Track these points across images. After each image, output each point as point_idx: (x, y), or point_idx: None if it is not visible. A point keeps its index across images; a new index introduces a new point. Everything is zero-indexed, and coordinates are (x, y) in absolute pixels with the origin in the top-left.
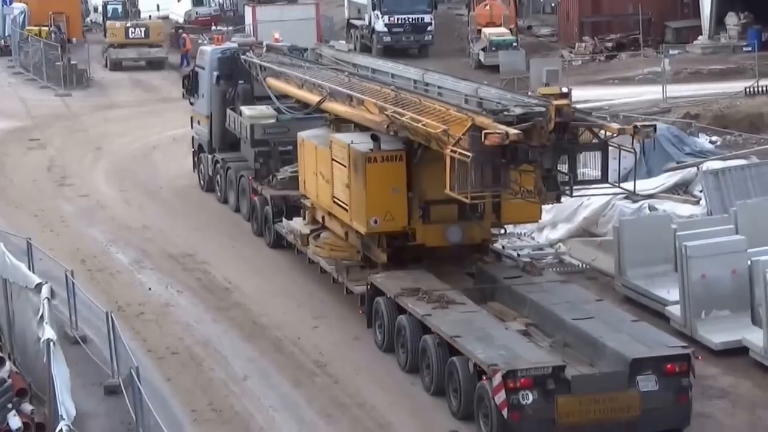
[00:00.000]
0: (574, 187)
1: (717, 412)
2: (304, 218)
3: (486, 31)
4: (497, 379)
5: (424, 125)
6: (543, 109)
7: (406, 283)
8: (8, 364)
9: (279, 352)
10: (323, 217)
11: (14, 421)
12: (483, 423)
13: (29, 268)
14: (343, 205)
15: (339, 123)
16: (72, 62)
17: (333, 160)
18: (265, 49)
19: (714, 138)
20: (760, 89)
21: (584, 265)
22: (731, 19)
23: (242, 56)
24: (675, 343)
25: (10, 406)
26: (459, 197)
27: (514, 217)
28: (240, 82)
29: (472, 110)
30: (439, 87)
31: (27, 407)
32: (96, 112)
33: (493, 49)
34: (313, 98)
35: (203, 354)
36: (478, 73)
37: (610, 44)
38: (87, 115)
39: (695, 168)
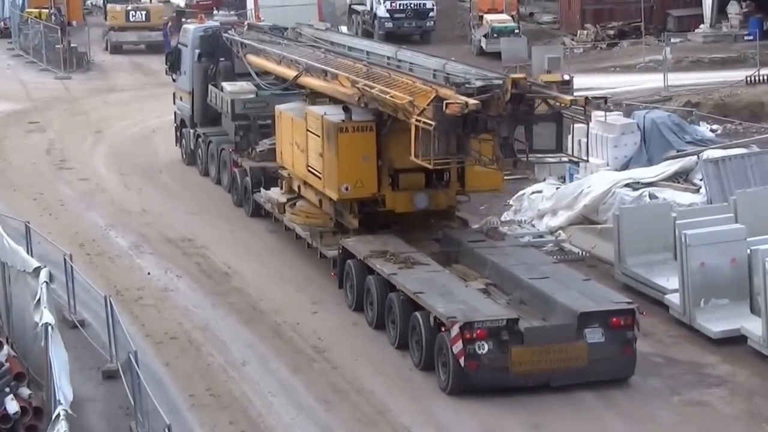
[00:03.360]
0: (530, 155)
1: (715, 400)
2: (281, 188)
3: (488, 17)
4: (455, 330)
5: (392, 97)
6: (501, 81)
7: (375, 246)
8: (6, 348)
9: (278, 337)
10: (299, 187)
11: (12, 405)
12: (442, 372)
13: (28, 252)
14: (317, 174)
15: (315, 97)
16: (72, 45)
17: (308, 131)
18: (246, 27)
19: (714, 126)
20: (761, 78)
21: (584, 253)
22: (733, 8)
23: (224, 34)
24: (621, 299)
25: (7, 390)
26: (423, 163)
27: (477, 184)
28: (221, 59)
29: (437, 83)
30: (410, 63)
31: (25, 391)
32: (96, 96)
33: (495, 35)
34: (290, 74)
35: (202, 339)
36: (480, 59)
37: (611, 32)
38: (87, 99)
39: (695, 156)
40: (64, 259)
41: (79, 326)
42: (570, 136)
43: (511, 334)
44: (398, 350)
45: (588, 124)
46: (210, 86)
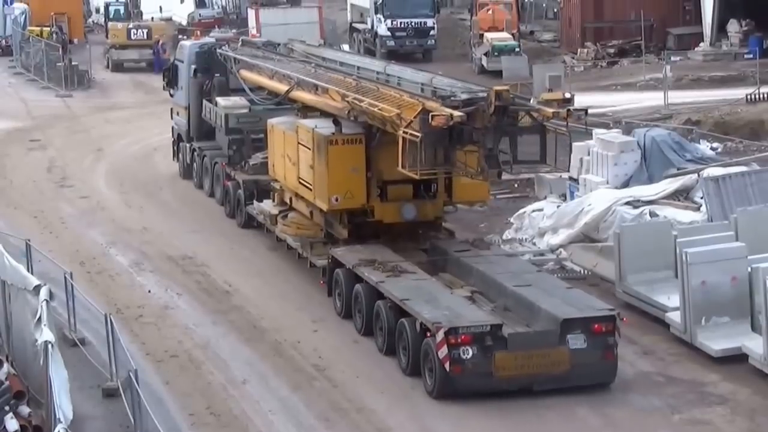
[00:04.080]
0: (514, 167)
1: (716, 418)
2: (274, 200)
3: (488, 36)
4: (440, 335)
5: (380, 110)
6: (485, 94)
7: (363, 255)
8: (6, 366)
9: (278, 355)
10: (290, 199)
11: (12, 423)
12: (428, 376)
13: (28, 270)
14: (308, 185)
15: (306, 111)
16: (73, 63)
17: (299, 143)
18: (240, 43)
19: (715, 145)
20: (761, 96)
21: (585, 271)
22: (733, 27)
23: (218, 50)
24: (602, 306)
25: (7, 408)
26: (410, 174)
27: (464, 196)
28: (216, 75)
29: (424, 96)
30: (399, 77)
31: (24, 410)
32: (97, 113)
33: (496, 54)
34: (283, 88)
35: (202, 357)
36: (481, 78)
37: (612, 50)
38: (88, 116)
39: (696, 174)
40: (65, 277)
41: (79, 344)
42: (570, 154)
43: (495, 339)
44: (399, 368)
45: (569, 136)
46: (204, 101)
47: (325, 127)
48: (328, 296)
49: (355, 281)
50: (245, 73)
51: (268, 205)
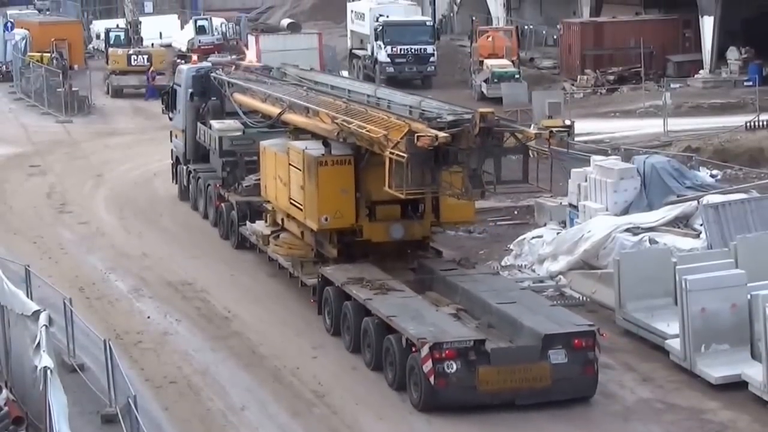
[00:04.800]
0: (497, 187)
1: None
2: (266, 221)
3: (488, 62)
4: (425, 350)
5: (368, 131)
6: (470, 116)
7: (352, 273)
8: (5, 392)
9: (277, 381)
10: (282, 219)
11: None
12: (414, 390)
13: (27, 295)
14: (298, 205)
15: (298, 133)
16: (73, 89)
17: (290, 165)
18: (234, 67)
19: (714, 172)
20: (760, 124)
21: (584, 298)
22: (732, 54)
23: (212, 74)
24: (583, 322)
25: None
26: (396, 193)
27: (451, 216)
28: (213, 98)
29: (410, 118)
30: (388, 100)
31: None
32: (97, 139)
33: (496, 80)
34: (275, 111)
35: (201, 383)
36: (481, 104)
37: (611, 77)
38: (88, 142)
39: (696, 201)
40: (64, 303)
41: (78, 370)
42: (568, 180)
43: (479, 354)
44: (398, 393)
45: (551, 156)
46: (199, 124)
47: (315, 148)
48: (318, 314)
49: (344, 299)
50: (239, 97)
51: (260, 226)
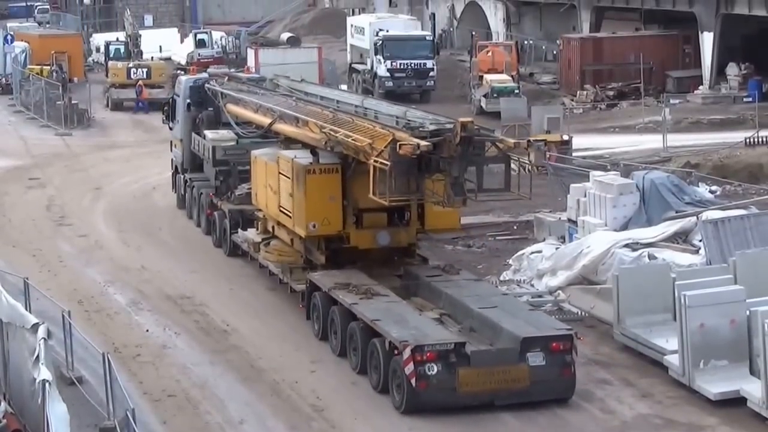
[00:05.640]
0: (479, 194)
1: None
2: (257, 229)
3: (488, 77)
4: (407, 352)
5: (354, 140)
6: (452, 125)
7: (339, 279)
8: (3, 405)
9: (276, 395)
10: (273, 227)
11: None
12: (396, 392)
13: (26, 308)
14: (288, 213)
15: (289, 143)
16: (73, 102)
17: (280, 173)
18: (226, 78)
19: (714, 188)
20: (760, 140)
21: (583, 313)
22: (732, 70)
23: (206, 85)
24: (561, 326)
25: None
26: (380, 200)
27: (436, 224)
28: (209, 108)
29: (394, 127)
30: (375, 111)
31: None
32: (96, 152)
33: (495, 95)
34: (266, 121)
35: (200, 397)
36: (480, 119)
37: (611, 93)
38: (87, 155)
39: (695, 217)
40: (63, 316)
41: (76, 383)
42: (567, 195)
43: (459, 356)
44: (396, 409)
45: (530, 165)
46: (194, 134)
47: (304, 157)
48: (307, 319)
49: (331, 304)
50: (232, 107)
51: (252, 234)
